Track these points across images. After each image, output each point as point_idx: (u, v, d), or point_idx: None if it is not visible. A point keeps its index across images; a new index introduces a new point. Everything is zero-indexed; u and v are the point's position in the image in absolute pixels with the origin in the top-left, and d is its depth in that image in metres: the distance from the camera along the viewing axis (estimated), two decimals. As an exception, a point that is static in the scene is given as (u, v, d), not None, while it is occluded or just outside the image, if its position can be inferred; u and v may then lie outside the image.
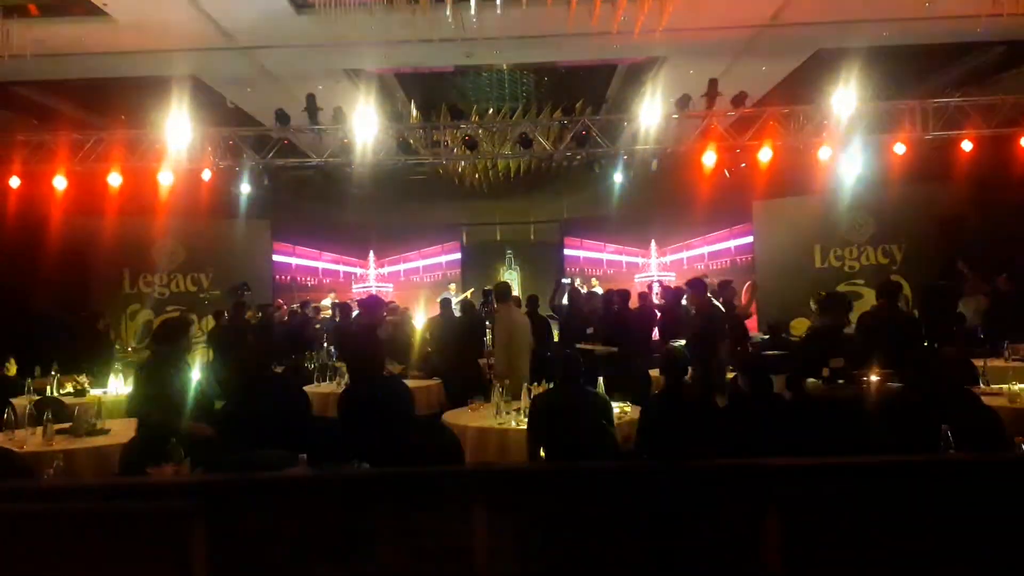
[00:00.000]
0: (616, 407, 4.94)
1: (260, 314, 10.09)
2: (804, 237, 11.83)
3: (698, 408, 4.26)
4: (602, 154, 10.88)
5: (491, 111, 11.80)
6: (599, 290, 11.83)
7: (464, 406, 5.81)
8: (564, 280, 10.57)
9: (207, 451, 3.65)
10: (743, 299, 8.42)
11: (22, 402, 6.32)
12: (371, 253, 15.27)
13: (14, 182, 9.95)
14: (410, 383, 6.50)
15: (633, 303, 8.83)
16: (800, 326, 10.63)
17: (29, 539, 1.58)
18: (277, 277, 13.28)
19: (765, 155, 9.98)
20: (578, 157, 11.47)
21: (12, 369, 7.80)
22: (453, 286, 13.87)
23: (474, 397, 5.77)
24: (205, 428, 4.38)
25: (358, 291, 14.36)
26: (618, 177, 11.81)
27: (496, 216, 15.94)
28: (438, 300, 9.83)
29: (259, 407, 4.74)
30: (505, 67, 10.85)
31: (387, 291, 14.81)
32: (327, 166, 10.87)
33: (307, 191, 13.31)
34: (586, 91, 11.55)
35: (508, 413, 5.24)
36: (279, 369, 7.97)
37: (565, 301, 9.36)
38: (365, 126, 9.84)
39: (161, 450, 3.35)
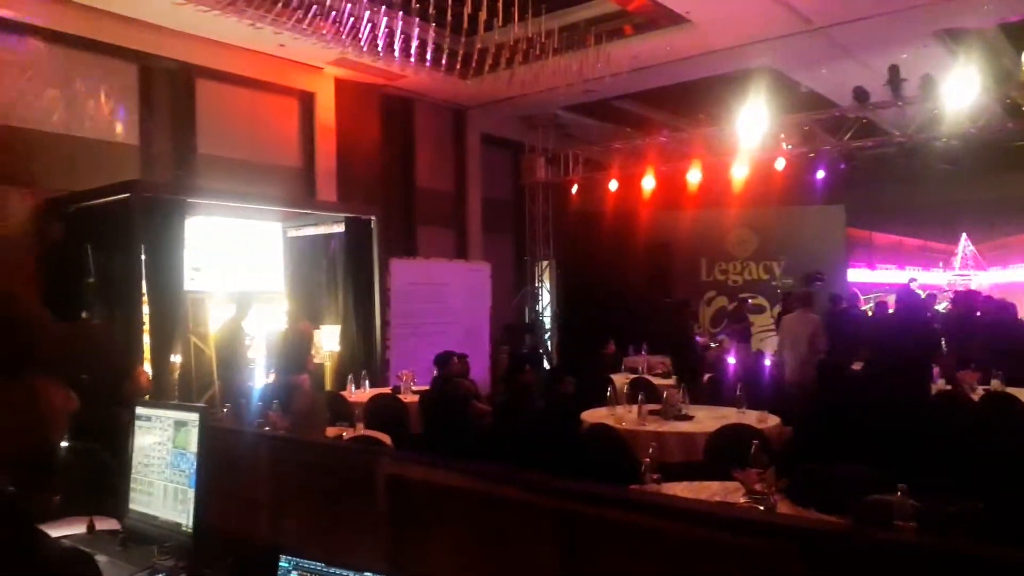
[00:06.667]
0: None
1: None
2: None
3: None
4: None
5: None
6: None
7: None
8: None
9: (787, 460, 3.53)
10: None
11: (620, 379, 7.22)
12: (963, 236, 13.31)
13: (612, 185, 11.47)
14: None
15: None
16: None
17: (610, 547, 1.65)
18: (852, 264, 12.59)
19: None
20: None
21: (611, 348, 9.00)
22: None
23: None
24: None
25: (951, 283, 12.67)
26: None
27: None
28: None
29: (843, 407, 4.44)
30: None
31: (981, 283, 12.74)
32: (910, 143, 9.79)
33: (886, 172, 12.25)
34: None
35: None
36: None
37: None
38: (960, 92, 8.53)
39: (745, 454, 3.34)
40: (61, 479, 2.10)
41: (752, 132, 9.92)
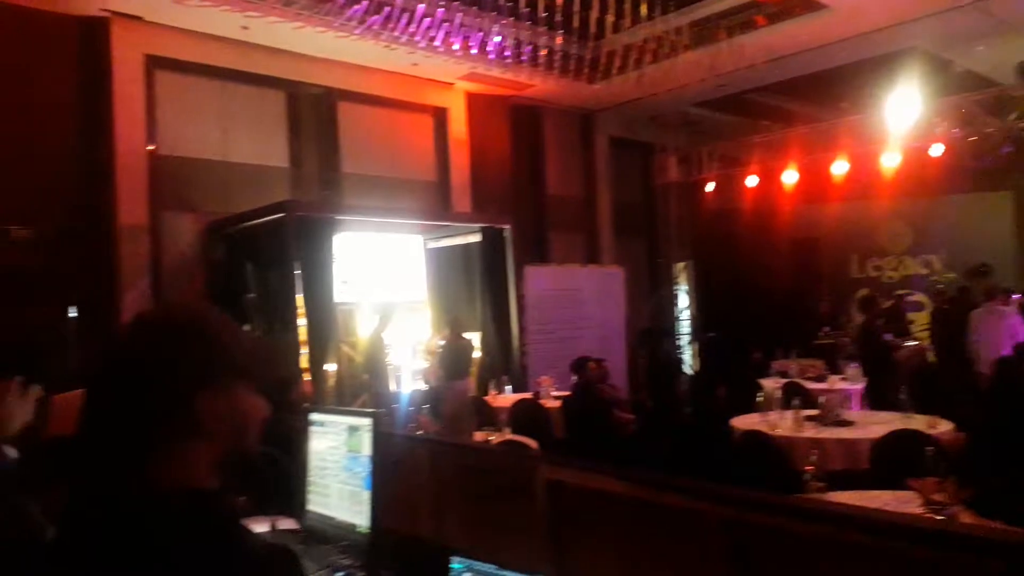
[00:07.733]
0: None
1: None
2: None
3: None
4: None
5: None
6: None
7: None
8: None
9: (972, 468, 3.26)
10: None
11: (768, 384, 6.92)
12: None
13: (751, 180, 11.07)
14: None
15: None
16: None
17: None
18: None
19: None
20: None
21: (757, 356, 8.65)
22: None
23: None
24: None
25: None
26: None
27: None
28: None
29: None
30: None
31: None
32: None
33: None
34: None
35: None
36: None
37: None
38: None
39: (916, 461, 3.12)
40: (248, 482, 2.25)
41: (902, 118, 9.29)
